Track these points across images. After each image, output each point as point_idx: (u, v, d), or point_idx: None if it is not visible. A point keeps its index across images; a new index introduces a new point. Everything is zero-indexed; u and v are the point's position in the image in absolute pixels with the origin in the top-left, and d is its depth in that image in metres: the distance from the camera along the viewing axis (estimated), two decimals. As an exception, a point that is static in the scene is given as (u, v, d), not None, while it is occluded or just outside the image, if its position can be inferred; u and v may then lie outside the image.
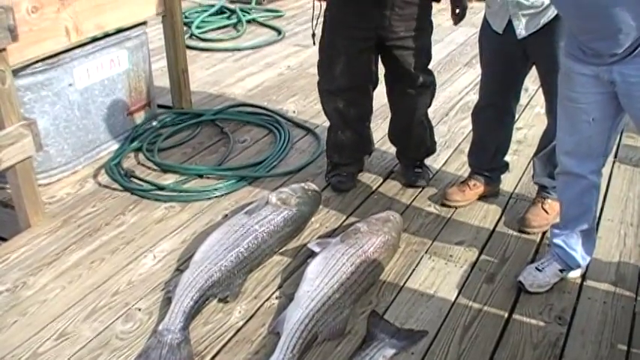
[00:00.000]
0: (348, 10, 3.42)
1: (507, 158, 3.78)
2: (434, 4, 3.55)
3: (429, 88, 3.74)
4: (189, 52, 5.23)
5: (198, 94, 5.21)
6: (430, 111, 4.55)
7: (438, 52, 6.04)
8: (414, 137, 3.86)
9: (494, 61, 3.37)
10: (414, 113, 3.76)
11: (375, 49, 3.56)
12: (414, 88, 3.67)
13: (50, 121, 3.88)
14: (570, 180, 2.89)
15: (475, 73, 5.55)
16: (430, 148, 3.97)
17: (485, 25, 3.30)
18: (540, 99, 4.92)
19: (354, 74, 3.60)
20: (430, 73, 3.74)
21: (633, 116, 2.62)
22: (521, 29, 3.09)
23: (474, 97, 5.00)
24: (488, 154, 3.64)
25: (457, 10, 3.54)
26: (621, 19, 2.32)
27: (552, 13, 2.99)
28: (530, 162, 3.83)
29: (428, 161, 4.06)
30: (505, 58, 3.25)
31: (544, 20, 3.03)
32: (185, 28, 5.95)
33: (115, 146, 4.32)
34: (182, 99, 4.89)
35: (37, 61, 3.70)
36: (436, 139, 4.02)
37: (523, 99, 4.89)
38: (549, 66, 3.06)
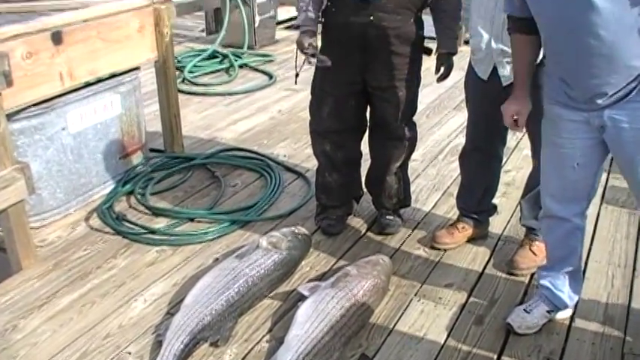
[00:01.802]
0: (336, 54, 3.44)
1: (496, 200, 3.83)
2: (425, 58, 3.59)
3: (407, 141, 3.72)
4: (181, 97, 5.28)
5: (189, 138, 5.25)
6: (419, 154, 4.61)
7: (427, 95, 6.13)
8: (386, 188, 3.85)
9: (479, 106, 3.43)
10: (389, 164, 3.76)
11: (363, 93, 3.60)
12: (390, 139, 3.69)
13: (43, 165, 3.90)
14: (554, 223, 2.91)
15: (464, 116, 5.56)
16: (403, 202, 3.95)
17: (471, 71, 3.37)
18: (528, 142, 5.02)
19: (342, 117, 3.63)
20: (412, 127, 3.74)
21: (621, 161, 2.65)
22: (506, 76, 3.16)
23: (462, 141, 5.02)
24: (476, 197, 3.68)
25: (442, 69, 3.56)
26: (619, 58, 2.35)
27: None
28: (518, 204, 3.87)
29: (417, 204, 4.10)
30: (490, 104, 3.28)
31: None
32: (177, 72, 6.03)
33: (107, 189, 4.34)
34: (174, 143, 4.93)
35: (31, 106, 3.73)
36: (425, 182, 4.06)
37: (511, 142, 4.97)
38: (533, 111, 3.12)
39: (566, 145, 2.69)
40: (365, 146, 3.88)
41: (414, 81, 3.60)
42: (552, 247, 3.01)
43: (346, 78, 3.51)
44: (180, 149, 4.99)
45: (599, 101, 2.48)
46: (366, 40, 3.40)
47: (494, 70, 3.19)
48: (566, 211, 2.85)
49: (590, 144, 2.64)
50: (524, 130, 2.97)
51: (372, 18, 3.34)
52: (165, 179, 4.53)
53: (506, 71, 3.15)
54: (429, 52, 3.59)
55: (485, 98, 3.33)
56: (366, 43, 3.41)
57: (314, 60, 3.37)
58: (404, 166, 3.85)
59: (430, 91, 6.32)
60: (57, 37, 3.77)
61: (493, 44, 3.13)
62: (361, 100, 3.65)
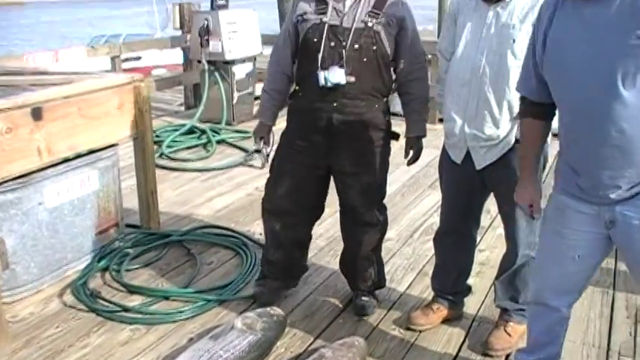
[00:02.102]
0: (301, 136, 3.52)
1: (470, 281, 3.84)
2: (394, 143, 3.64)
3: (375, 227, 3.73)
4: (158, 172, 5.31)
5: (166, 214, 5.25)
6: (394, 234, 4.63)
7: (402, 174, 6.20)
8: (359, 270, 3.84)
9: (453, 189, 3.46)
10: (360, 249, 3.76)
11: (324, 178, 3.64)
12: (360, 225, 3.70)
13: (18, 240, 3.88)
14: (544, 311, 2.85)
15: (439, 195, 5.54)
16: (377, 284, 3.92)
17: (445, 154, 3.41)
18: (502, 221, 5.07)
19: (297, 200, 3.65)
20: (382, 211, 3.76)
21: (629, 257, 2.57)
22: (480, 161, 3.21)
23: (437, 219, 5.07)
24: (450, 278, 3.70)
25: (411, 152, 3.62)
26: (637, 152, 2.31)
27: (508, 144, 3.12)
28: (492, 284, 3.89)
29: (392, 283, 4.11)
30: (464, 187, 3.35)
31: (501, 152, 3.15)
32: (155, 147, 6.06)
33: (82, 265, 4.31)
34: (150, 219, 4.93)
35: (8, 180, 3.73)
36: (400, 261, 4.07)
37: (485, 221, 5.01)
38: (507, 194, 3.17)
39: (569, 236, 2.62)
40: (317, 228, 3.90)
41: (381, 166, 3.61)
42: (537, 333, 2.95)
43: (309, 161, 3.56)
44: (157, 226, 4.98)
45: (612, 195, 2.42)
46: (330, 126, 3.46)
47: (468, 154, 3.24)
48: (559, 302, 2.81)
49: (596, 237, 2.57)
50: (537, 215, 2.88)
51: (335, 104, 3.42)
52: (140, 256, 4.51)
53: (479, 156, 3.20)
54: (396, 137, 3.65)
55: (459, 182, 3.38)
56: (331, 129, 3.46)
57: (264, 152, 3.68)
58: (377, 249, 3.85)
59: (405, 170, 6.36)
60: (37, 113, 3.80)
61: (466, 129, 3.18)
62: (322, 184, 3.69)
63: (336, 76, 3.35)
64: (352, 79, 3.37)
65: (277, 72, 3.67)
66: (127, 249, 4.53)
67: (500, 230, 4.82)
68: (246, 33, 8.71)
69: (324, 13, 3.42)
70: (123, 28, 30.22)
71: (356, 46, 3.36)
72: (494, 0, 3.03)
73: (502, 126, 3.10)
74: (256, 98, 9.28)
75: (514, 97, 3.00)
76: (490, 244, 4.80)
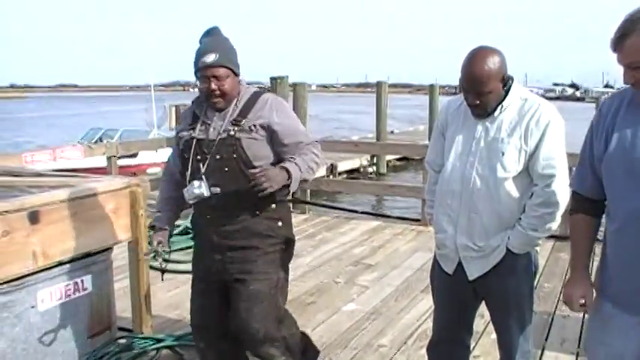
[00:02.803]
0: (195, 250, 3.64)
1: (466, 389, 3.80)
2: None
3: None
4: (151, 273, 5.28)
5: (159, 317, 5.22)
6: (388, 340, 4.60)
7: (395, 278, 6.21)
8: None
9: (445, 299, 3.45)
10: None
11: (223, 291, 3.57)
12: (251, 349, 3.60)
13: (8, 343, 3.83)
14: None
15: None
16: None
17: (436, 265, 3.42)
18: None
19: (202, 314, 3.64)
20: (280, 345, 3.52)
21: None
22: (472, 271, 3.22)
23: (431, 325, 5.09)
24: None
25: (263, 169, 3.27)
26: None
27: (500, 254, 3.14)
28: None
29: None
30: (457, 297, 3.34)
31: (493, 262, 3.16)
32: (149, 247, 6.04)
33: (72, 370, 4.25)
34: (143, 323, 4.88)
35: (1, 283, 3.72)
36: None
37: (479, 326, 5.00)
38: (499, 304, 3.20)
39: (614, 344, 2.52)
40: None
41: (271, 276, 3.50)
42: None
43: (207, 277, 3.58)
44: (149, 329, 4.93)
45: None
46: (210, 239, 3.49)
47: (460, 264, 3.25)
48: None
49: None
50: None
51: (209, 216, 3.46)
52: (132, 360, 4.44)
53: (471, 266, 3.21)
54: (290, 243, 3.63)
55: (450, 292, 3.37)
56: (212, 241, 3.48)
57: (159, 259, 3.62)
58: None
59: (398, 273, 6.42)
60: (34, 217, 3.83)
61: (458, 240, 3.19)
62: (220, 297, 3.59)
63: (196, 189, 3.36)
64: (217, 190, 3.37)
65: (169, 182, 3.77)
66: (119, 353, 4.47)
67: (494, 335, 4.85)
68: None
69: (194, 128, 3.48)
70: (121, 121, 30.73)
71: (217, 156, 3.37)
72: (483, 115, 3.11)
73: (493, 237, 3.13)
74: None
75: (504, 209, 3.07)
76: (485, 350, 4.77)
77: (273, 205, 3.47)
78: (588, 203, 2.67)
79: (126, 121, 29.22)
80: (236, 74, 3.40)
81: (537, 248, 3.21)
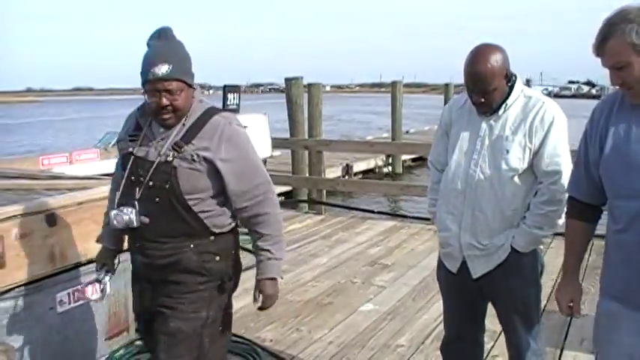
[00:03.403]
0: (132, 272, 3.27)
1: (485, 387, 3.78)
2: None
3: None
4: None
5: (176, 318, 5.20)
6: (406, 340, 4.59)
7: (412, 278, 6.20)
8: None
9: (453, 298, 3.45)
10: None
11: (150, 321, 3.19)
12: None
13: (27, 345, 3.85)
14: None
15: (450, 299, 5.65)
16: None
17: (441, 264, 3.41)
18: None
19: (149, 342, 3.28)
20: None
21: None
22: (476, 270, 3.21)
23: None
24: None
25: (260, 297, 3.21)
26: None
27: (505, 253, 3.13)
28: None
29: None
30: (463, 297, 3.34)
31: (497, 260, 3.15)
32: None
33: (91, 371, 4.27)
34: (160, 324, 4.89)
35: (20, 285, 3.74)
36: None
37: (497, 325, 4.95)
38: (506, 303, 3.20)
39: (623, 341, 2.51)
40: None
41: (196, 315, 3.06)
42: None
43: (140, 301, 3.24)
44: (166, 331, 4.93)
45: None
46: (138, 270, 3.17)
47: (464, 263, 3.24)
48: None
49: None
50: (577, 315, 2.82)
51: (138, 245, 3.06)
52: (149, 362, 4.45)
53: (475, 265, 3.20)
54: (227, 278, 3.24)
55: (457, 291, 3.37)
56: (139, 272, 3.16)
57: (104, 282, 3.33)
58: None
59: (415, 273, 6.40)
60: (51, 219, 3.86)
61: (462, 239, 3.19)
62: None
63: (125, 216, 2.95)
64: (146, 220, 2.96)
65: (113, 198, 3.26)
66: (136, 355, 4.49)
67: (513, 336, 4.83)
68: (257, 136, 8.84)
69: (136, 141, 3.02)
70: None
71: (151, 183, 2.93)
72: (487, 113, 3.11)
73: (497, 235, 3.13)
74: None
75: (508, 207, 3.08)
76: (503, 350, 4.69)
77: (212, 237, 3.06)
78: (584, 208, 2.70)
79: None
80: (190, 86, 2.94)
81: (542, 247, 3.20)
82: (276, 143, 10.01)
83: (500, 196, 3.08)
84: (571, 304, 2.76)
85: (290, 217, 9.35)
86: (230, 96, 8.78)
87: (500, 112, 3.09)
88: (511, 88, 3.08)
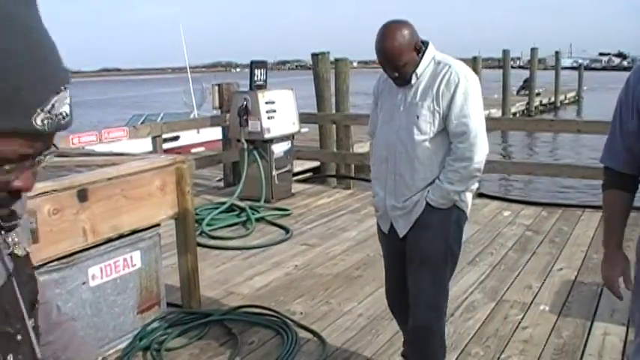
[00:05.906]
0: None
1: (514, 358, 3.78)
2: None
3: None
4: (199, 250, 5.34)
5: (207, 293, 5.26)
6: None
7: (442, 251, 6.18)
8: None
9: (389, 256, 3.67)
10: None
11: None
12: None
13: (61, 320, 3.92)
14: None
15: (479, 271, 5.64)
16: None
17: (378, 226, 3.61)
18: (545, 296, 5.00)
19: None
20: None
21: None
22: (401, 229, 3.38)
23: (479, 297, 5.07)
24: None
25: None
26: None
27: (420, 208, 3.28)
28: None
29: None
30: (396, 257, 3.53)
31: (415, 217, 3.32)
32: (196, 225, 6.12)
33: (123, 344, 4.33)
34: (191, 298, 4.95)
35: (53, 260, 3.80)
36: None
37: (527, 297, 4.97)
38: (410, 256, 3.38)
39: None
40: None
41: None
42: None
43: None
44: (197, 305, 4.99)
45: None
46: None
47: (392, 224, 3.43)
48: None
49: None
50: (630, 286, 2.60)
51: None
52: (181, 335, 4.51)
53: (399, 225, 3.38)
54: None
55: (391, 251, 3.60)
56: None
57: None
58: None
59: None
60: (82, 195, 3.89)
61: (387, 202, 3.39)
62: None
63: None
64: None
65: None
66: (168, 328, 4.55)
67: (544, 306, 4.82)
68: (284, 112, 8.87)
69: None
70: (160, 107, 31.02)
71: None
72: (404, 84, 3.27)
73: (414, 195, 3.29)
74: (294, 175, 9.45)
75: (424, 169, 3.25)
76: (533, 321, 4.72)
77: None
78: (621, 177, 2.57)
79: (172, 102, 29.33)
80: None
81: (466, 210, 3.37)
82: (304, 118, 9.99)
83: (415, 160, 3.25)
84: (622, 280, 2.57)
85: (318, 192, 9.36)
86: (257, 72, 8.79)
87: (413, 81, 3.25)
88: (422, 57, 3.24)
